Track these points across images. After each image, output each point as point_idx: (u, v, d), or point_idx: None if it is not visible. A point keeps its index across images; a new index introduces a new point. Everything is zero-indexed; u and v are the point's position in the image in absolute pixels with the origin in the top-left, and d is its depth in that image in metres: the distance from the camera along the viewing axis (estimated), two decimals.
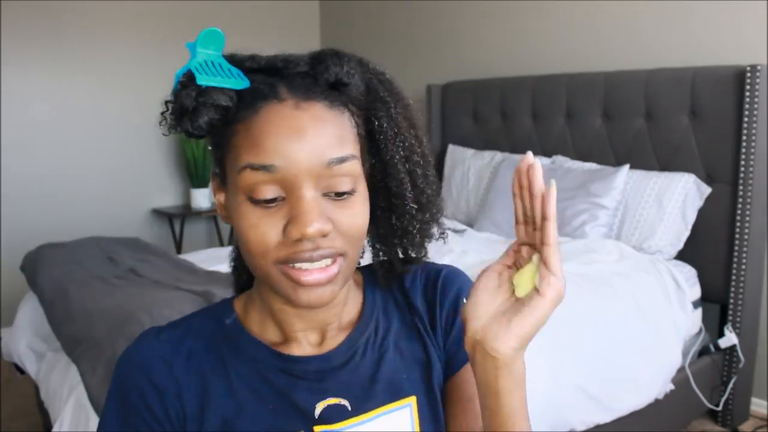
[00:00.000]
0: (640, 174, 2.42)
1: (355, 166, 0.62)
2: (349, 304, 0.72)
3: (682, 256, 2.36)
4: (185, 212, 3.69)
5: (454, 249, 2.37)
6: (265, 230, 0.59)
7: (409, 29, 3.68)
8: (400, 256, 0.72)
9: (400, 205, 0.68)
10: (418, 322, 0.75)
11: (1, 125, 3.24)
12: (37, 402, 2.13)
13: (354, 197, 0.62)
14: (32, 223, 3.32)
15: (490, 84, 3.07)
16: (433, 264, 0.77)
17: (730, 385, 2.33)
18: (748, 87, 2.15)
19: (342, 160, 0.60)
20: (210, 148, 0.66)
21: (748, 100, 2.16)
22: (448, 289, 0.75)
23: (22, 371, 2.18)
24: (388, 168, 0.66)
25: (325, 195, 0.60)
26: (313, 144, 0.59)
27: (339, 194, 0.60)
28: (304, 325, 0.69)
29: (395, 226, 0.69)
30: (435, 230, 0.71)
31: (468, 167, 3.06)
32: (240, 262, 0.77)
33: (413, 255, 0.72)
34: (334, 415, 0.67)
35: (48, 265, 2.13)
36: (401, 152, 0.66)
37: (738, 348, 2.29)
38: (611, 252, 2.23)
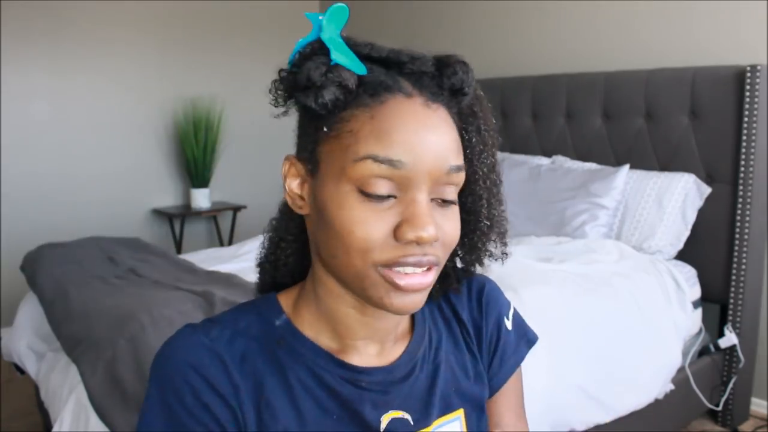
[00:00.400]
0: (640, 174, 2.42)
1: (463, 177, 0.61)
2: None
3: (682, 256, 2.36)
4: (185, 212, 3.68)
5: None
6: (373, 227, 0.56)
7: (409, 30, 3.68)
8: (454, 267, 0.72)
9: (473, 221, 0.67)
10: (465, 334, 0.75)
11: (1, 125, 3.24)
12: (37, 402, 2.12)
13: (454, 207, 0.61)
14: (32, 223, 3.32)
15: (491, 84, 3.06)
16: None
17: (730, 385, 2.33)
18: (748, 87, 2.15)
19: (459, 169, 0.59)
20: (303, 127, 0.62)
21: (748, 100, 2.16)
22: (491, 309, 0.76)
23: (22, 371, 2.17)
24: (469, 184, 0.65)
25: (432, 201, 0.59)
26: (441, 146, 0.57)
27: (444, 202, 0.59)
28: (366, 333, 0.66)
29: (463, 242, 0.68)
30: (497, 249, 0.71)
31: None
32: (276, 257, 0.71)
33: (470, 269, 0.71)
34: (397, 428, 0.65)
35: (48, 265, 2.13)
36: (484, 169, 0.66)
37: (738, 348, 2.29)
38: (611, 252, 2.23)
